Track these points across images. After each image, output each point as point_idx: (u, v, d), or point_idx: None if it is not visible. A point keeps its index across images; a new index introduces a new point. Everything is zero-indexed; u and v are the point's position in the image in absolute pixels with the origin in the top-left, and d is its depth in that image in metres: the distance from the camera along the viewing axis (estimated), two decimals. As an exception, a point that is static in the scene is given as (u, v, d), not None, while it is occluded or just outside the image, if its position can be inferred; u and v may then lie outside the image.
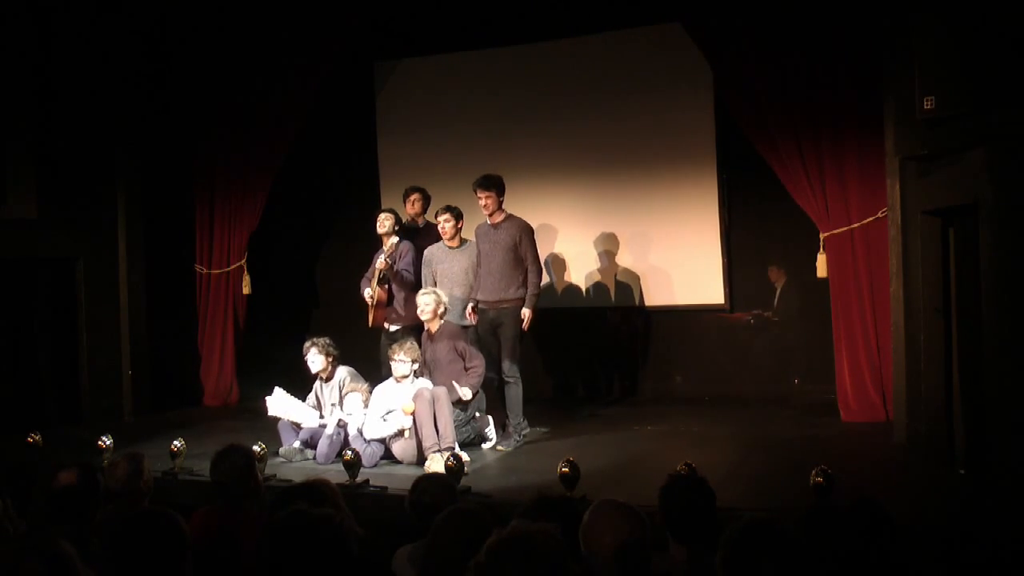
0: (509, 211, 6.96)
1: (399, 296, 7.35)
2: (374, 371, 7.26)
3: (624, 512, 2.89)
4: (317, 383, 6.79)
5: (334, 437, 6.29)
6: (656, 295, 8.73)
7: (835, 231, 7.10)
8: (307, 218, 10.04)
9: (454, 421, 6.19)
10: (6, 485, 3.93)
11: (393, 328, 7.35)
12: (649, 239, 8.70)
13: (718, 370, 8.69)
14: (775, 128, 7.18)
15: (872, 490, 4.41)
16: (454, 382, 6.42)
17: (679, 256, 8.58)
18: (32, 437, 6.32)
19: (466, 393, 6.42)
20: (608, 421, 7.65)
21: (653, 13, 8.27)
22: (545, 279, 8.27)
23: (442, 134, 9.28)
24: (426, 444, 6.03)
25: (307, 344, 6.73)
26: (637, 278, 8.77)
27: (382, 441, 6.29)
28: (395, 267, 7.17)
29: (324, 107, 9.04)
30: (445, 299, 6.73)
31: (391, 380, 6.51)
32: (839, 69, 6.93)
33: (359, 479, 5.56)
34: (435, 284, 7.10)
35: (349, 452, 5.60)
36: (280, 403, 6.63)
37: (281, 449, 6.46)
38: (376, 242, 7.52)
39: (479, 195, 6.85)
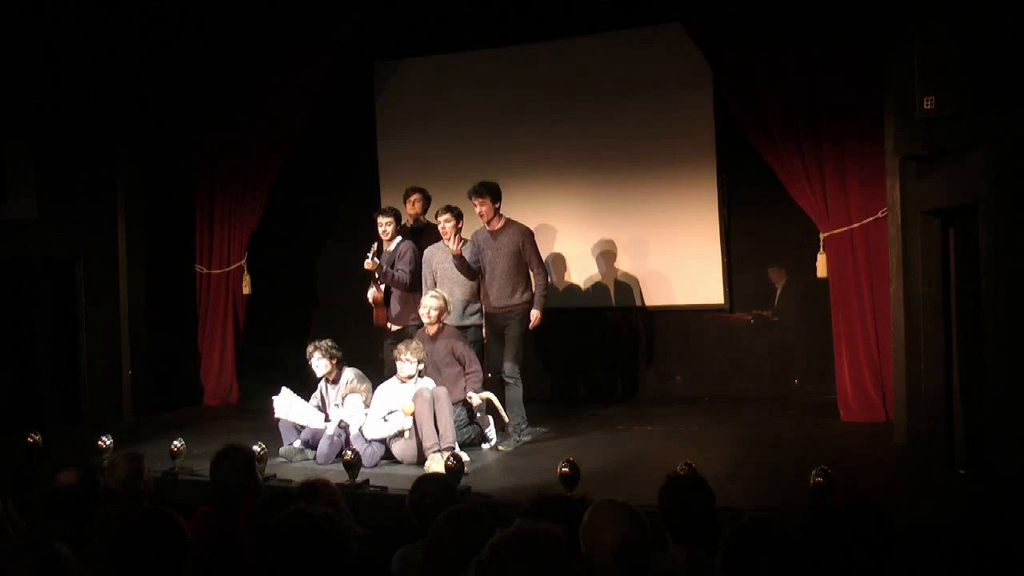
0: (508, 214, 6.99)
1: (394, 295, 7.36)
2: (375, 371, 7.26)
3: (624, 512, 2.89)
4: (323, 384, 6.76)
5: (335, 437, 6.29)
6: (656, 295, 8.73)
7: (835, 231, 7.10)
8: (307, 218, 10.04)
9: (454, 421, 6.20)
10: (6, 485, 3.93)
11: (395, 328, 7.36)
12: (649, 240, 8.70)
13: (718, 370, 8.69)
14: (775, 128, 7.18)
15: (872, 490, 4.42)
16: (471, 391, 6.51)
17: (679, 256, 8.58)
18: (32, 437, 6.32)
19: (476, 400, 6.51)
20: (608, 421, 7.64)
21: (653, 13, 8.28)
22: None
23: (442, 134, 9.28)
24: (426, 444, 6.03)
25: (310, 348, 6.69)
26: (637, 278, 8.77)
27: (382, 441, 6.29)
28: (383, 267, 7.14)
29: (324, 107, 9.04)
30: (450, 305, 6.75)
31: (393, 380, 6.51)
32: (839, 69, 6.93)
33: (359, 479, 5.56)
34: (435, 284, 7.11)
35: (349, 452, 5.60)
36: (287, 404, 6.61)
37: (281, 449, 6.46)
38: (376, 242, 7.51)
39: (475, 203, 6.87)
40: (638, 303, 8.80)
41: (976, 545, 4.19)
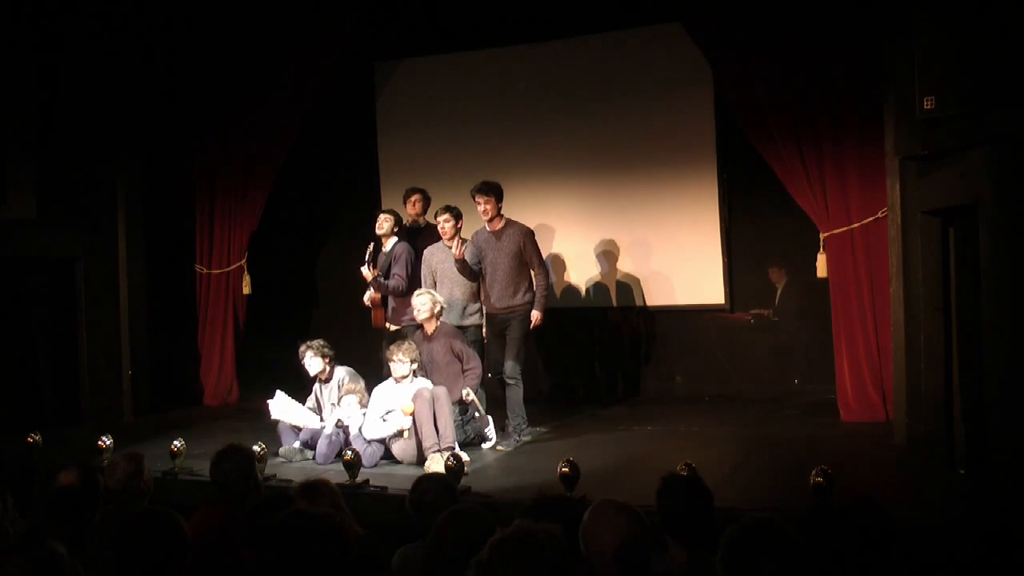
0: (508, 214, 6.99)
1: (391, 298, 7.38)
2: (375, 372, 7.26)
3: (624, 512, 2.89)
4: (316, 384, 6.79)
5: (333, 437, 6.29)
6: (656, 295, 8.73)
7: (835, 231, 7.10)
8: (307, 218, 10.05)
9: (454, 421, 6.20)
10: (6, 485, 3.92)
11: (393, 328, 7.37)
12: (649, 240, 8.70)
13: (718, 370, 8.69)
14: (775, 128, 7.18)
15: (872, 490, 4.43)
16: (468, 388, 6.48)
17: (679, 256, 8.58)
18: (32, 437, 6.32)
19: (468, 393, 6.46)
20: (608, 421, 7.65)
21: (653, 13, 8.28)
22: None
23: (442, 134, 9.28)
24: (426, 444, 6.03)
25: (302, 348, 6.73)
26: (637, 278, 8.77)
27: (382, 441, 6.29)
28: (378, 278, 7.17)
29: (324, 107, 9.04)
30: (441, 300, 6.75)
31: (391, 380, 6.51)
32: (839, 69, 6.93)
33: (359, 479, 5.56)
34: (434, 284, 7.11)
35: (349, 452, 5.60)
36: (281, 406, 6.63)
37: (281, 449, 6.46)
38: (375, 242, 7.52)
39: (478, 200, 6.87)
40: (638, 303, 8.80)
41: (976, 545, 4.19)
